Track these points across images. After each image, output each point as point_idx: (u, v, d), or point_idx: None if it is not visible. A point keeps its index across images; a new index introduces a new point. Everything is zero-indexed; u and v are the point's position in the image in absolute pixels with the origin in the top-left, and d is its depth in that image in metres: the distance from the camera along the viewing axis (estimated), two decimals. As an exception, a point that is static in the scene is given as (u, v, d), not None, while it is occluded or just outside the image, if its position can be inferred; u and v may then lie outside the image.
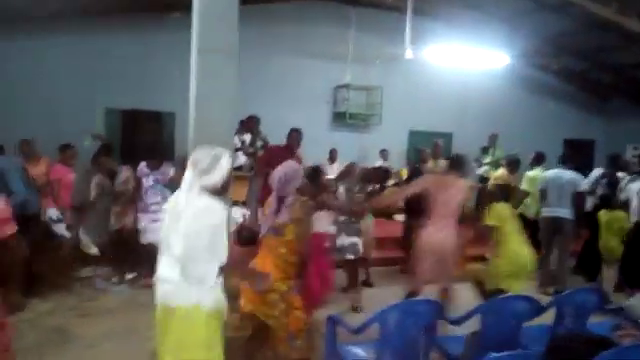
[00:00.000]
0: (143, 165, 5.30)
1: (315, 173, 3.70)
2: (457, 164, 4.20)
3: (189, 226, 2.20)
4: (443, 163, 6.84)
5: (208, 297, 2.25)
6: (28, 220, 4.18)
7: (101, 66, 8.30)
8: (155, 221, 5.06)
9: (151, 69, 8.48)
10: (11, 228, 2.28)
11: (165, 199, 4.82)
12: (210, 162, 2.26)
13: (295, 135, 5.51)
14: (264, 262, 2.90)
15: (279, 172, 3.07)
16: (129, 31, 8.41)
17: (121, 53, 8.39)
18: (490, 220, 4.10)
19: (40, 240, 4.82)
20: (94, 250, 5.33)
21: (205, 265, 2.21)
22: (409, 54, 7.80)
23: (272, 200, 3.09)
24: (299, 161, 5.19)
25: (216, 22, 3.11)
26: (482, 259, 5.53)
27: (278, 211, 2.95)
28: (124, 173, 5.30)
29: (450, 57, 9.14)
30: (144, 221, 5.19)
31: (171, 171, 5.17)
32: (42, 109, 7.89)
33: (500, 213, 4.13)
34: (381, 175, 5.79)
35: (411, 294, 3.88)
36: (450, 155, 6.86)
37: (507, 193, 4.49)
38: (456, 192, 3.96)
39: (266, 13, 8.87)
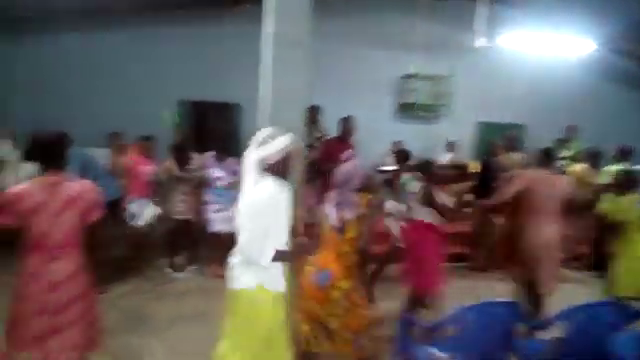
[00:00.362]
0: (210, 155, 5.39)
1: (427, 165, 3.67)
2: (546, 158, 3.96)
3: (245, 205, 2.21)
4: (517, 156, 6.49)
5: (268, 279, 2.25)
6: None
7: (173, 58, 8.58)
8: (219, 211, 5.15)
9: (219, 60, 8.65)
10: (99, 213, 2.46)
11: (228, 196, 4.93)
12: (266, 136, 2.26)
13: (346, 124, 5.39)
14: (326, 258, 2.84)
15: (342, 169, 3.02)
16: (199, 23, 8.62)
17: (191, 45, 8.62)
18: (612, 215, 3.76)
19: (118, 226, 5.07)
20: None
21: (258, 244, 2.17)
22: (481, 42, 7.45)
23: (333, 196, 3.02)
24: (352, 148, 5.11)
25: (290, 12, 3.06)
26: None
27: (340, 207, 2.90)
28: (196, 160, 5.41)
29: (525, 45, 8.68)
30: (209, 211, 5.27)
31: (237, 167, 5.13)
32: (120, 100, 8.28)
33: (624, 207, 3.75)
34: (457, 174, 5.60)
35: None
36: (522, 147, 6.56)
37: (634, 181, 3.94)
38: (559, 188, 3.77)
39: (327, 3, 8.80)
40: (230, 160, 5.30)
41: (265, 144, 2.24)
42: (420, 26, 9.01)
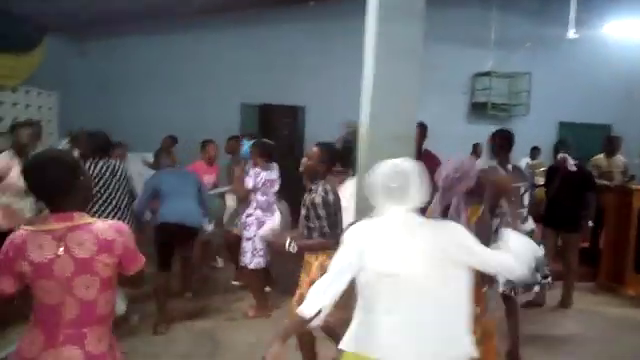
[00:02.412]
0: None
1: None
2: None
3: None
4: (620, 161, 5.78)
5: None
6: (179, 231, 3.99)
7: (235, 61, 8.36)
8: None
9: (283, 62, 8.36)
10: (136, 264, 1.75)
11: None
12: (403, 182, 1.77)
13: (419, 130, 4.64)
14: None
15: (446, 169, 2.45)
16: (260, 25, 8.36)
17: (253, 47, 8.38)
18: None
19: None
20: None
21: None
22: (572, 34, 6.73)
23: (434, 207, 2.49)
24: (436, 161, 4.30)
25: (398, 7, 2.64)
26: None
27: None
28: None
29: (618, 35, 7.84)
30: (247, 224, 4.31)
31: (273, 174, 4.31)
32: (184, 104, 8.13)
33: None
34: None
35: None
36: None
37: None
38: None
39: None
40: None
41: (407, 192, 1.78)
42: (494, 19, 8.35)
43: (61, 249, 1.59)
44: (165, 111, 8.04)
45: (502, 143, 3.73)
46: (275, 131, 7.66)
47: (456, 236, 1.79)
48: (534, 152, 8.18)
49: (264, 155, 4.25)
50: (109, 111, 7.85)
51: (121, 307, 3.44)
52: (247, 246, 4.25)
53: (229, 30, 8.29)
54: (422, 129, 4.49)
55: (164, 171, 4.29)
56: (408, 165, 1.81)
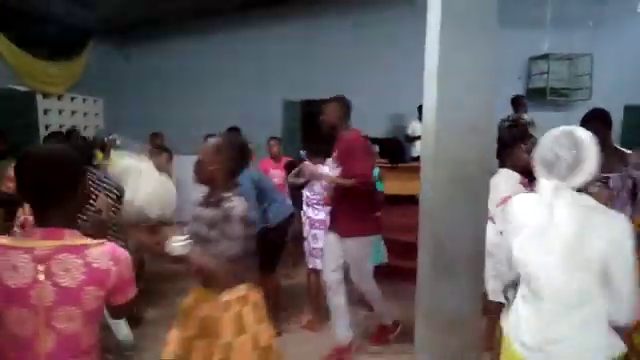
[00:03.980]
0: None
1: None
2: None
3: (571, 252, 1.58)
4: None
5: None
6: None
7: (277, 57, 8.20)
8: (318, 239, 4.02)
9: (323, 56, 8.12)
10: (129, 295, 1.51)
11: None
12: (573, 154, 1.62)
13: (334, 106, 4.15)
14: None
15: None
16: (301, 20, 8.16)
17: (294, 43, 8.19)
18: None
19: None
20: None
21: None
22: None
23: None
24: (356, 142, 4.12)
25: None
26: None
27: None
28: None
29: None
30: (310, 239, 4.18)
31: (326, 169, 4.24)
32: (228, 105, 8.05)
33: None
34: None
35: None
36: None
37: None
38: None
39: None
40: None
41: (575, 166, 1.61)
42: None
43: (41, 274, 1.33)
44: (210, 110, 7.99)
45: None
46: (319, 127, 7.39)
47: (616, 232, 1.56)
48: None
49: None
50: (154, 114, 7.85)
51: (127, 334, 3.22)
52: (306, 246, 4.14)
53: (269, 26, 8.14)
54: (340, 102, 4.05)
55: (252, 170, 4.01)
56: (582, 135, 1.67)
